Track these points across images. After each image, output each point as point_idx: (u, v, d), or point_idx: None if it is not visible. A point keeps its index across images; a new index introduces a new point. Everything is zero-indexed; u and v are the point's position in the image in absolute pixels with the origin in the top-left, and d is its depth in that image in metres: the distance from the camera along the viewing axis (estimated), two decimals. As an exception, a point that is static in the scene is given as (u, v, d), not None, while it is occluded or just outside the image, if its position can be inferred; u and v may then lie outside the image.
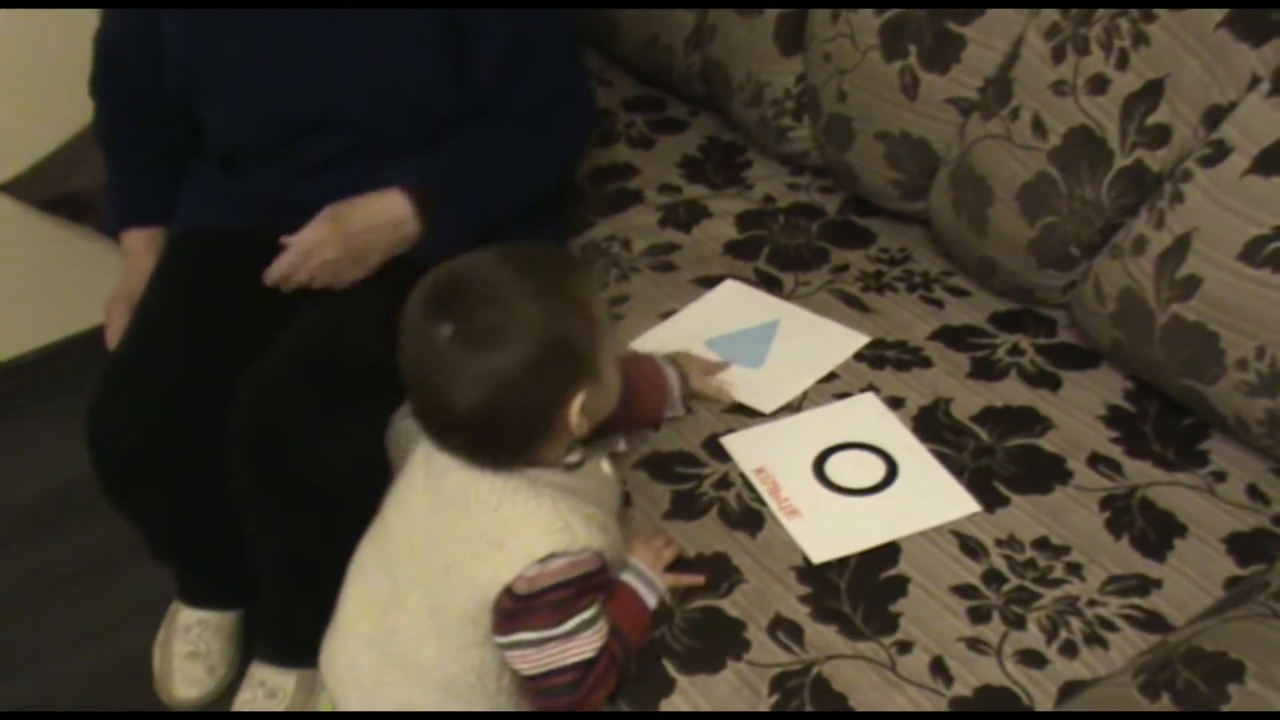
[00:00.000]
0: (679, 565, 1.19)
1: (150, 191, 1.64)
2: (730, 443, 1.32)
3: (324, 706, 1.25)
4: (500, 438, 1.04)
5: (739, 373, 1.40)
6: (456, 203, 1.46)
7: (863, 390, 1.37)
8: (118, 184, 1.66)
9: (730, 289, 1.53)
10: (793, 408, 1.36)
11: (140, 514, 1.54)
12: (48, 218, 2.03)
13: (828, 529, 1.22)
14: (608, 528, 1.09)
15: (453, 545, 1.08)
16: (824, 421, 1.34)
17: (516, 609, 1.05)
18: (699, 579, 1.17)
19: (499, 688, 1.12)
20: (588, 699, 1.08)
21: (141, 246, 1.62)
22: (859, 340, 1.43)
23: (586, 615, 1.06)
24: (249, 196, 1.55)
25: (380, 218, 1.44)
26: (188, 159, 1.62)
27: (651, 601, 1.15)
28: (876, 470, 1.27)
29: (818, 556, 1.19)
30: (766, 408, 1.35)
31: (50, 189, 1.98)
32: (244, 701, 1.58)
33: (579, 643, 1.06)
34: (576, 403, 1.03)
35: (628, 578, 1.15)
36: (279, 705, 1.56)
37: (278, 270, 1.43)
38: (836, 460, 1.29)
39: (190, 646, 1.66)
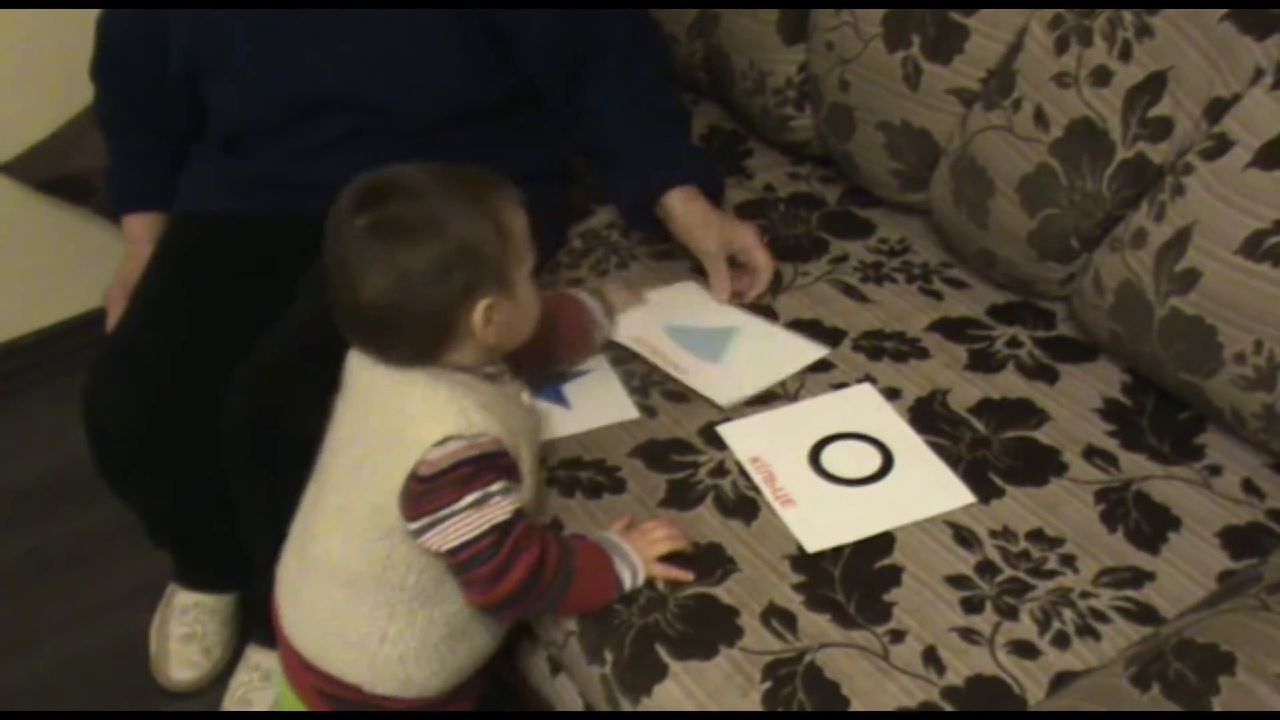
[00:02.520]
0: (677, 560, 1.18)
1: (150, 176, 1.64)
2: (726, 431, 1.32)
3: (281, 688, 1.27)
4: (403, 332, 1.08)
5: (697, 364, 1.40)
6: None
7: (859, 380, 1.37)
8: (118, 169, 1.66)
9: (691, 289, 1.53)
10: (786, 398, 1.36)
11: (138, 496, 1.54)
12: (48, 199, 2.02)
13: (822, 518, 1.22)
14: (508, 426, 1.11)
15: (359, 442, 1.12)
16: (820, 411, 1.34)
17: (422, 490, 1.07)
18: (687, 576, 1.17)
19: (402, 584, 1.13)
20: (509, 567, 1.08)
21: (141, 231, 1.62)
22: (817, 352, 1.41)
23: (494, 488, 1.08)
24: (251, 178, 1.55)
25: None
26: (189, 142, 1.62)
27: (625, 577, 1.16)
28: (872, 460, 1.27)
29: (812, 546, 1.19)
30: (722, 400, 1.36)
31: (50, 170, 1.97)
32: (239, 684, 1.59)
33: (490, 510, 1.08)
34: (480, 307, 1.07)
35: (607, 548, 1.16)
36: (274, 688, 1.56)
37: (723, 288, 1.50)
38: (832, 450, 1.28)
39: (186, 629, 1.66)
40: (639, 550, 1.17)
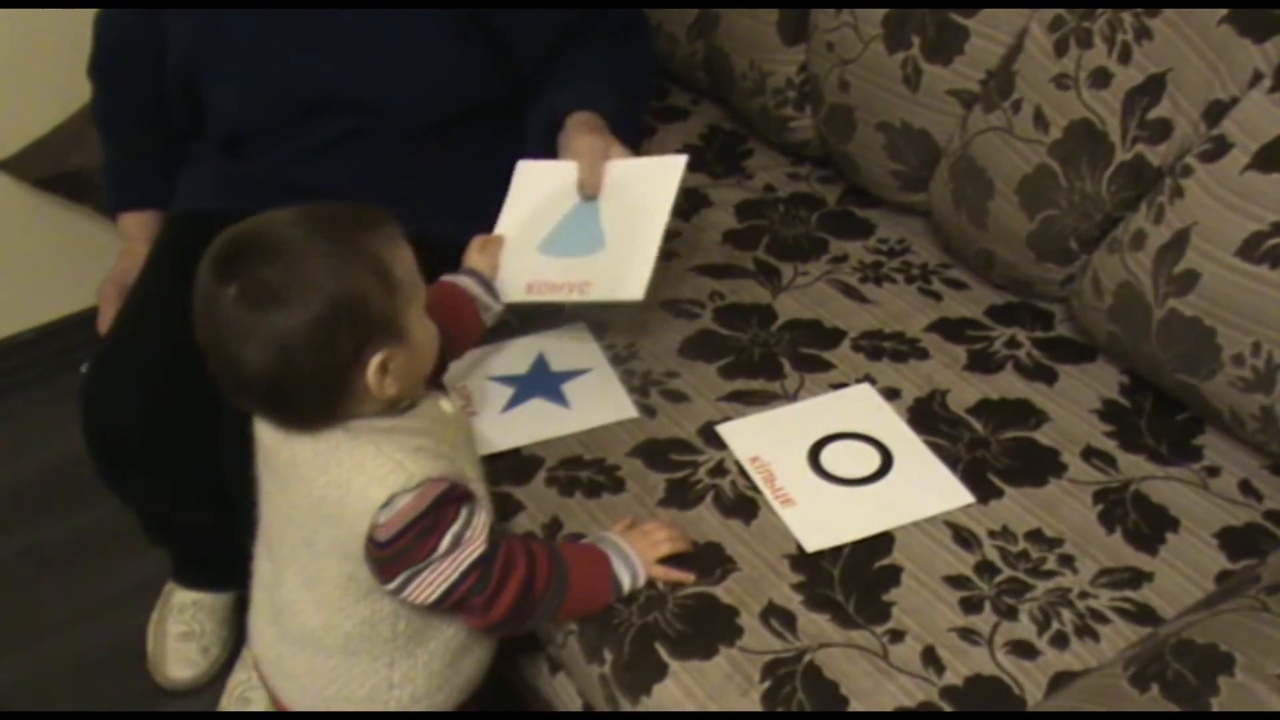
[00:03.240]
0: (678, 561, 1.18)
1: (148, 175, 1.63)
2: (726, 431, 1.32)
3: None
4: (294, 400, 1.01)
5: (590, 266, 1.33)
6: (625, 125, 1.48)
7: (859, 381, 1.37)
8: (115, 167, 1.66)
9: (526, 171, 1.42)
10: (786, 398, 1.36)
11: (135, 495, 1.54)
12: (46, 196, 2.02)
13: (822, 518, 1.22)
14: (442, 454, 1.05)
15: (303, 519, 1.06)
16: (820, 411, 1.34)
17: (387, 555, 1.03)
18: (688, 577, 1.17)
19: (394, 633, 1.11)
20: (500, 594, 1.07)
21: (137, 229, 1.62)
22: (678, 163, 1.35)
23: (457, 526, 1.04)
24: (251, 179, 1.55)
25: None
26: (187, 142, 1.62)
27: (624, 579, 1.15)
28: (871, 461, 1.28)
29: (811, 545, 1.19)
30: (636, 292, 1.30)
31: (49, 167, 1.97)
32: (237, 682, 1.59)
33: (465, 548, 1.05)
34: (373, 364, 0.99)
35: (606, 549, 1.15)
36: (272, 687, 1.56)
37: (593, 184, 1.39)
38: (832, 450, 1.29)
39: (184, 627, 1.66)
40: (640, 551, 1.16)
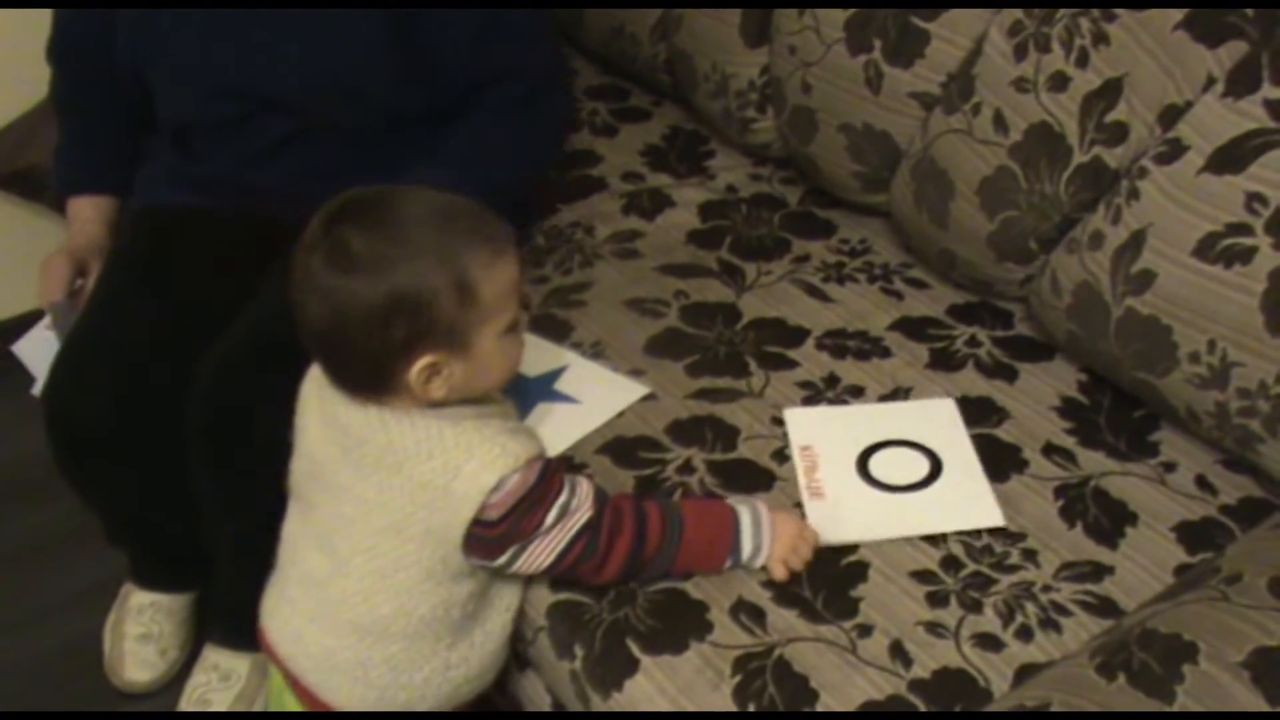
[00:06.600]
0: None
1: (102, 160, 1.62)
2: (791, 415, 1.33)
3: (275, 682, 1.25)
4: (343, 365, 1.06)
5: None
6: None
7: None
8: (70, 150, 1.64)
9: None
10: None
11: (97, 493, 1.52)
12: (0, 194, 1.99)
13: (843, 516, 1.22)
14: (532, 433, 1.12)
15: (395, 505, 1.08)
16: (892, 416, 1.34)
17: (497, 533, 1.07)
18: (785, 577, 1.16)
19: (463, 615, 1.14)
20: (609, 555, 1.11)
21: (89, 213, 1.60)
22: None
23: (563, 498, 1.09)
24: (201, 178, 1.54)
25: None
26: (144, 133, 1.60)
27: (746, 545, 1.15)
28: (919, 471, 1.27)
29: (824, 539, 1.19)
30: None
31: (3, 165, 1.94)
32: (196, 684, 1.57)
33: (572, 516, 1.09)
34: (420, 363, 1.02)
35: (741, 512, 1.15)
36: (233, 689, 1.55)
37: None
38: (885, 455, 1.29)
39: (142, 629, 1.64)
40: (782, 538, 1.15)
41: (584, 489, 1.11)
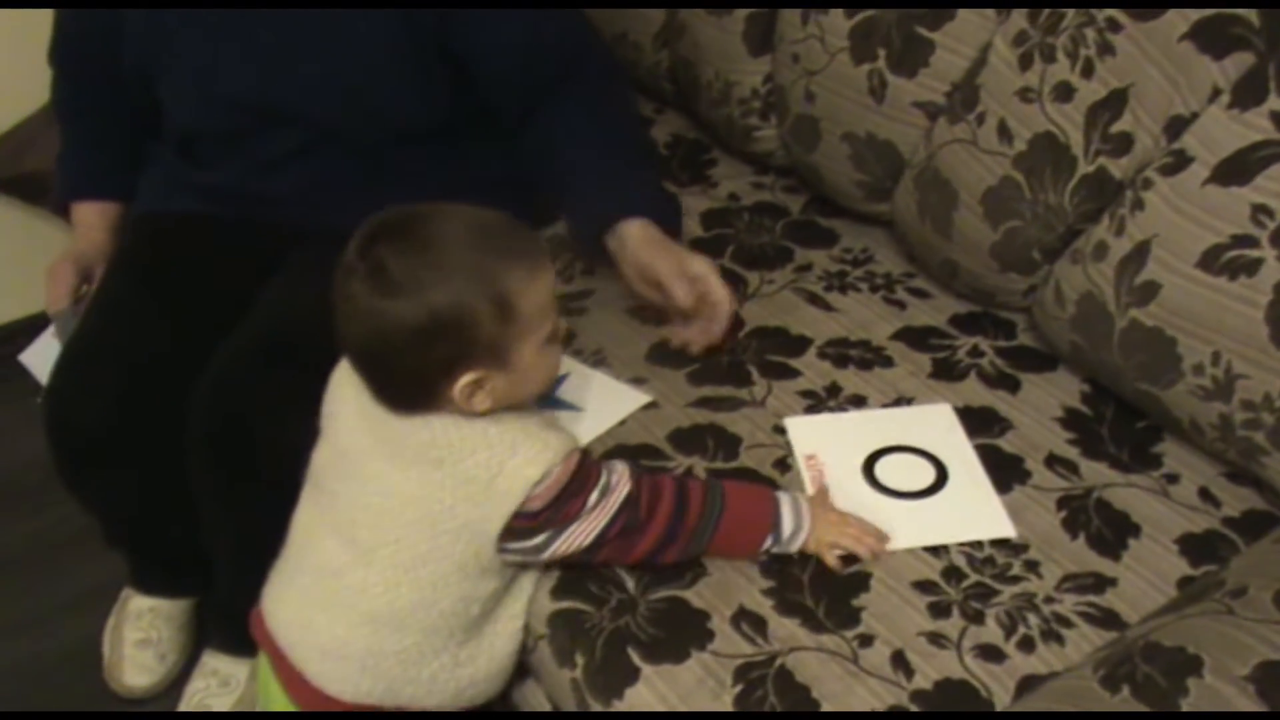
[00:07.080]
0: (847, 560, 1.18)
1: (105, 165, 1.62)
2: (793, 425, 1.33)
3: (262, 676, 1.25)
4: (386, 383, 1.07)
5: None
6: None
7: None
8: (72, 155, 1.64)
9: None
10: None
11: (97, 498, 1.52)
12: (1, 198, 1.99)
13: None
14: (564, 427, 1.15)
15: (432, 498, 1.09)
16: (891, 421, 1.33)
17: (539, 522, 1.09)
18: (841, 567, 1.17)
19: (481, 612, 1.15)
20: (651, 521, 1.13)
21: (93, 219, 1.60)
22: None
23: (603, 480, 1.11)
24: (206, 186, 1.54)
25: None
26: (146, 138, 1.60)
27: (786, 526, 1.16)
28: (925, 478, 1.27)
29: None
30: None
31: (3, 169, 1.94)
32: (195, 690, 1.57)
33: (611, 495, 1.11)
34: (463, 380, 1.04)
35: (781, 495, 1.17)
36: (232, 694, 1.55)
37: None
38: (890, 461, 1.29)
39: (141, 634, 1.64)
40: (819, 521, 1.16)
41: (619, 467, 1.14)
